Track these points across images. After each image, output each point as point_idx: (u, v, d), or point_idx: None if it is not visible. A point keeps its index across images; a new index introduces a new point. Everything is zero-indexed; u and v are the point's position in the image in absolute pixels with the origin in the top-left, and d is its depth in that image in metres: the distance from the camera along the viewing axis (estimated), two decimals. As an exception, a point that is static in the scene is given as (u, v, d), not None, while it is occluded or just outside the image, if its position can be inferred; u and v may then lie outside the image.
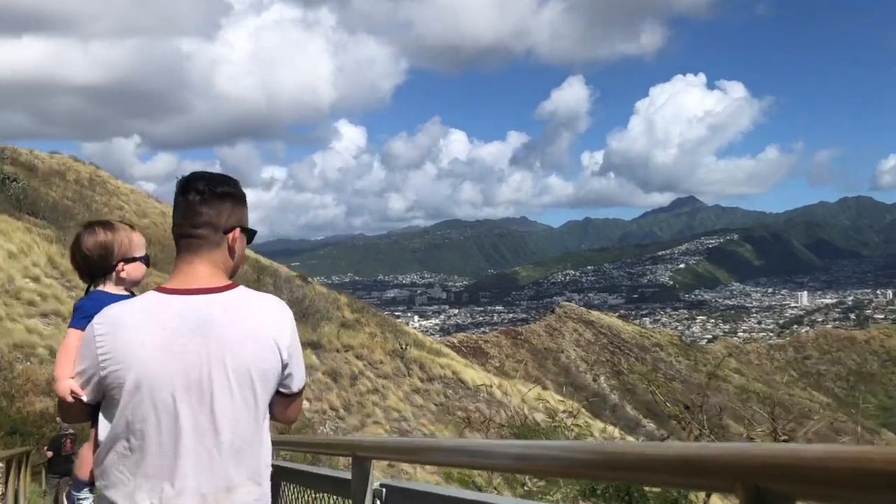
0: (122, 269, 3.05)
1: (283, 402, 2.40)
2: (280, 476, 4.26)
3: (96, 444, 2.36)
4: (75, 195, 41.54)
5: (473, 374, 31.73)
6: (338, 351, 27.97)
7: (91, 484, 3.45)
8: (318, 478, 4.05)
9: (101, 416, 2.32)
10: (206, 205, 2.33)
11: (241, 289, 2.35)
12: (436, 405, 28.10)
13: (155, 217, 46.92)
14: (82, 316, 2.69)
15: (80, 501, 3.65)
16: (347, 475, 3.31)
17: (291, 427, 21.19)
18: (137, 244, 3.14)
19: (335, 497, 3.67)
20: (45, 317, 20.75)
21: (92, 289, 3.10)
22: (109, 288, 3.06)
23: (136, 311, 2.28)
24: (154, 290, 2.32)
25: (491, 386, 27.52)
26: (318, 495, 3.94)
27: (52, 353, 19.31)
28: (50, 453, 13.67)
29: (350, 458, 3.20)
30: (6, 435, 15.73)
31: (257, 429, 2.30)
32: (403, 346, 30.68)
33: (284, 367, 2.33)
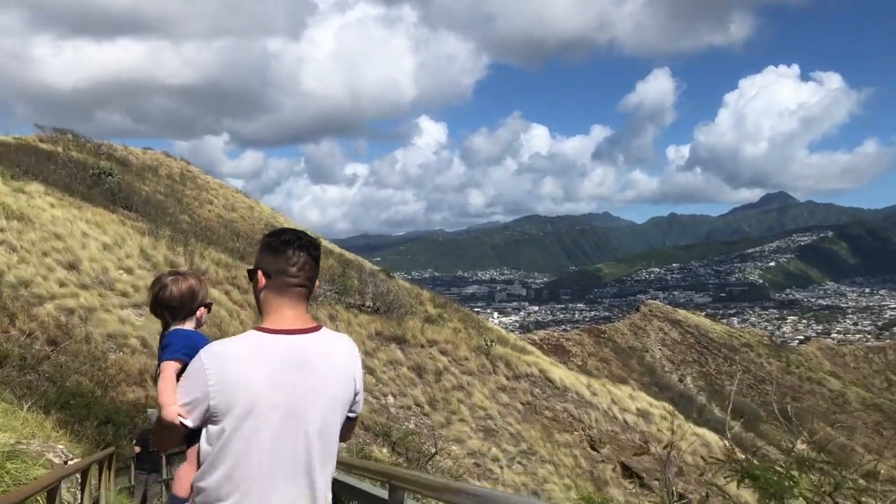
0: (202, 313, 3.62)
1: (348, 424, 2.83)
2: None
3: (198, 464, 2.69)
4: (167, 189, 42.59)
5: (561, 372, 30.89)
6: (422, 346, 27.61)
7: (187, 500, 3.52)
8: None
9: (203, 439, 2.65)
10: (315, 262, 2.82)
11: (325, 329, 2.80)
12: (522, 404, 27.43)
13: (243, 211, 47.73)
14: (175, 350, 3.15)
15: None
16: None
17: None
18: (208, 291, 3.75)
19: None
20: (138, 307, 21.02)
21: (171, 328, 3.52)
22: (187, 326, 3.51)
23: (241, 348, 2.65)
24: (254, 329, 2.72)
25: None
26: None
27: (144, 343, 19.52)
28: (138, 448, 13.58)
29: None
30: (100, 424, 15.85)
31: (335, 448, 2.75)
32: (489, 343, 30.10)
33: (356, 394, 2.81)
